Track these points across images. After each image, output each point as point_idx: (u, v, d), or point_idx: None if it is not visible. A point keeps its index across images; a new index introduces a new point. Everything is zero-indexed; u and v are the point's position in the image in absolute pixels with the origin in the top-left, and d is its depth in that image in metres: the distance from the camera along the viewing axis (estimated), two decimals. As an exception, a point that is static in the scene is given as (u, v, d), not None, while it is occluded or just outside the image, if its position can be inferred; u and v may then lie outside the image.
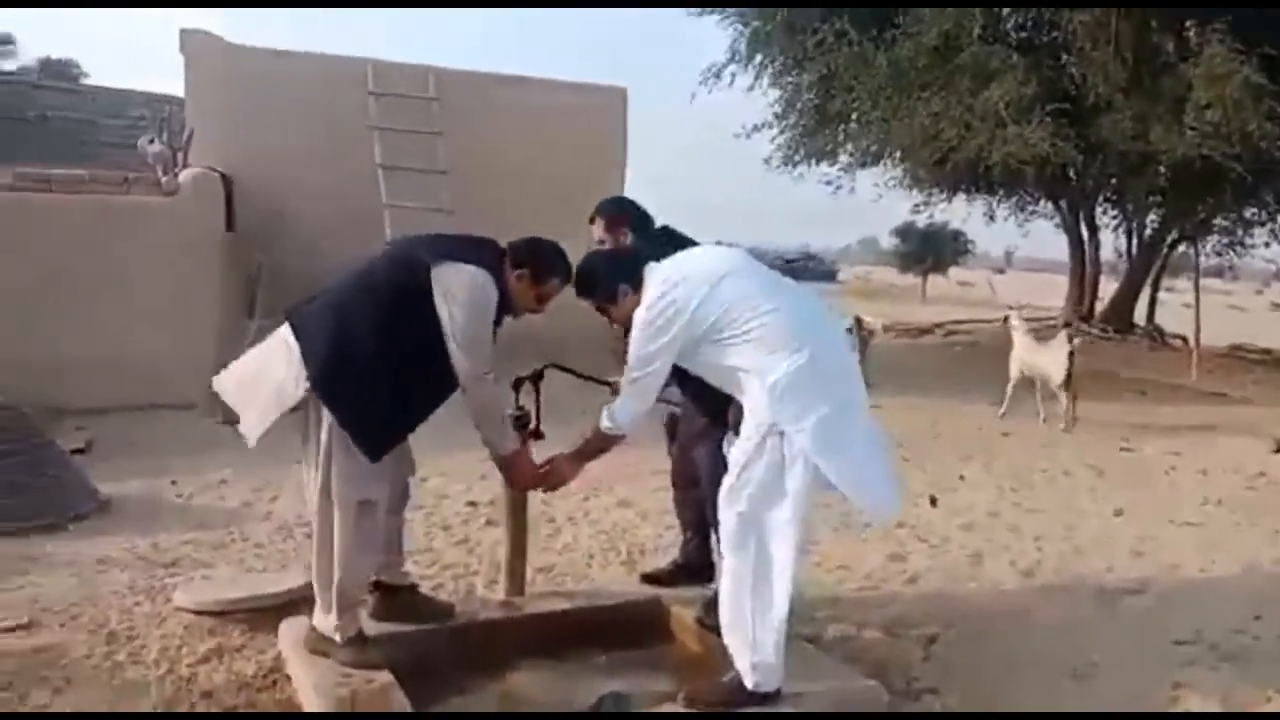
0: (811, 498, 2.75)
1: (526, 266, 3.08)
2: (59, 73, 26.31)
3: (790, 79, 15.47)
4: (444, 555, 4.34)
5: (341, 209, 9.43)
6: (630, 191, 11.52)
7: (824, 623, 3.54)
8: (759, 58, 15.46)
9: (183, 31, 9.60)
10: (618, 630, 3.45)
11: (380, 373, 2.92)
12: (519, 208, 7.79)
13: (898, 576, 4.15)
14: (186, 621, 3.39)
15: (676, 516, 3.85)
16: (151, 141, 8.60)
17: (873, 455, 2.87)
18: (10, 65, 27.76)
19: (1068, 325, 9.52)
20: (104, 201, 7.04)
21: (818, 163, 15.84)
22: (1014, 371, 8.84)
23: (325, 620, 2.99)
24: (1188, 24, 11.20)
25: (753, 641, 2.75)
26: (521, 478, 3.32)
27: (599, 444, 3.20)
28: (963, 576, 4.19)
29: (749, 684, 2.77)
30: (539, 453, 3.36)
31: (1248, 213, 15.32)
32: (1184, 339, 15.67)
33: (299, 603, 3.44)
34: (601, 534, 4.73)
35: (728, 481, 2.83)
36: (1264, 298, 49.33)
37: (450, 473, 5.74)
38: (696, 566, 3.68)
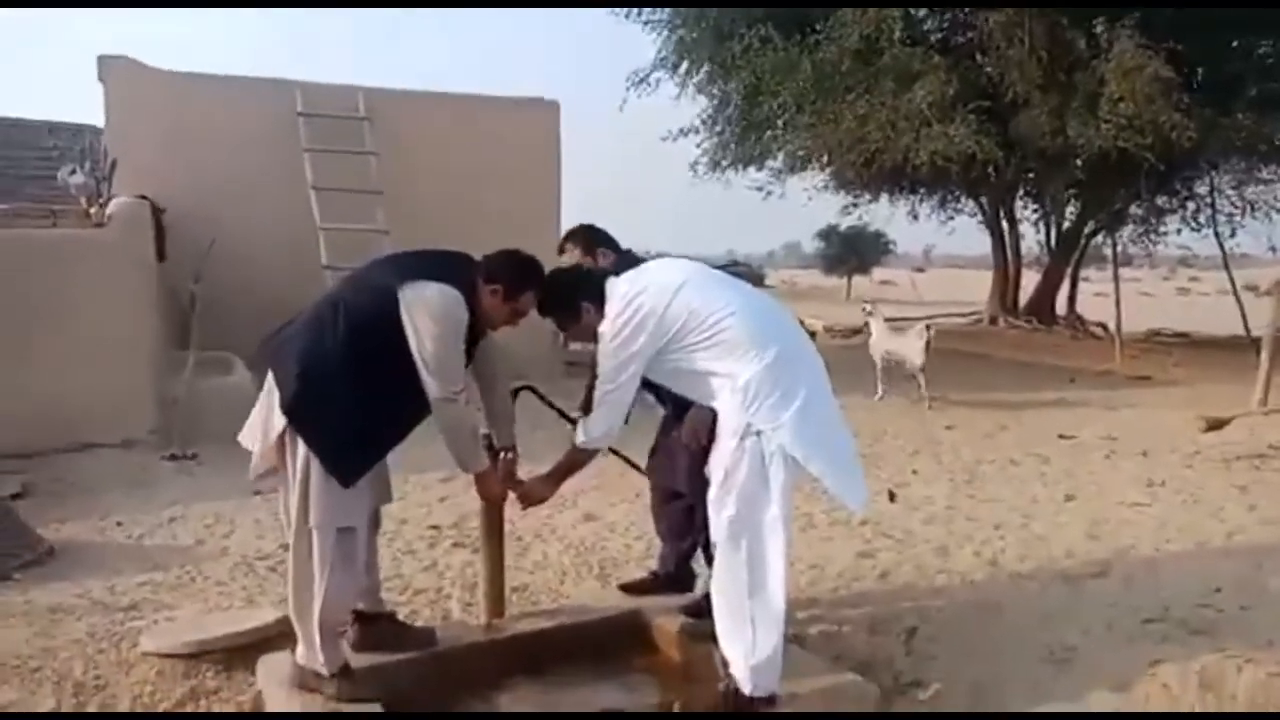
0: (792, 493, 2.78)
1: (499, 281, 3.03)
2: (-39, 104, 25.32)
3: (717, 86, 15.67)
4: (414, 580, 4.27)
5: (276, 233, 9.26)
6: (563, 201, 11.55)
7: (806, 623, 3.58)
8: (685, 64, 15.66)
9: (101, 58, 9.34)
10: (602, 645, 3.44)
11: (349, 397, 2.88)
12: (457, 225, 7.70)
13: (870, 573, 4.21)
14: (157, 666, 3.28)
15: (654, 526, 3.86)
16: (73, 172, 8.29)
17: (846, 449, 2.92)
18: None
19: (928, 323, 10.26)
20: (29, 235, 6.79)
21: (745, 168, 16.06)
22: (876, 358, 9.85)
23: (310, 655, 2.92)
24: (1097, 22, 11.59)
25: (752, 644, 2.77)
26: (490, 494, 3.32)
27: (573, 461, 3.20)
28: (931, 569, 4.26)
29: (747, 689, 2.78)
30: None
31: (1159, 201, 15.94)
32: (1104, 327, 16.24)
33: (273, 639, 3.36)
34: (571, 549, 4.71)
35: (714, 487, 2.85)
36: (1171, 283, 51.34)
37: (409, 495, 5.66)
38: (676, 576, 3.69)
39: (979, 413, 8.78)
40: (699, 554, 3.59)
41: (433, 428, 3.01)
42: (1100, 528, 4.86)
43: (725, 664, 2.89)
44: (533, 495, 3.34)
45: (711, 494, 2.87)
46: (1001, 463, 6.53)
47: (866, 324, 10.58)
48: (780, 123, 14.30)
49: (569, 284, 3.22)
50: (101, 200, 7.43)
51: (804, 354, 3.03)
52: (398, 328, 2.87)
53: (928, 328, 9.73)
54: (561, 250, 3.69)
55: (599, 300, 3.06)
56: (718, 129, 15.82)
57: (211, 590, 4.18)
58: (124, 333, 7.11)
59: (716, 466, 2.89)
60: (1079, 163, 13.03)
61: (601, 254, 3.62)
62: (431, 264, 3.03)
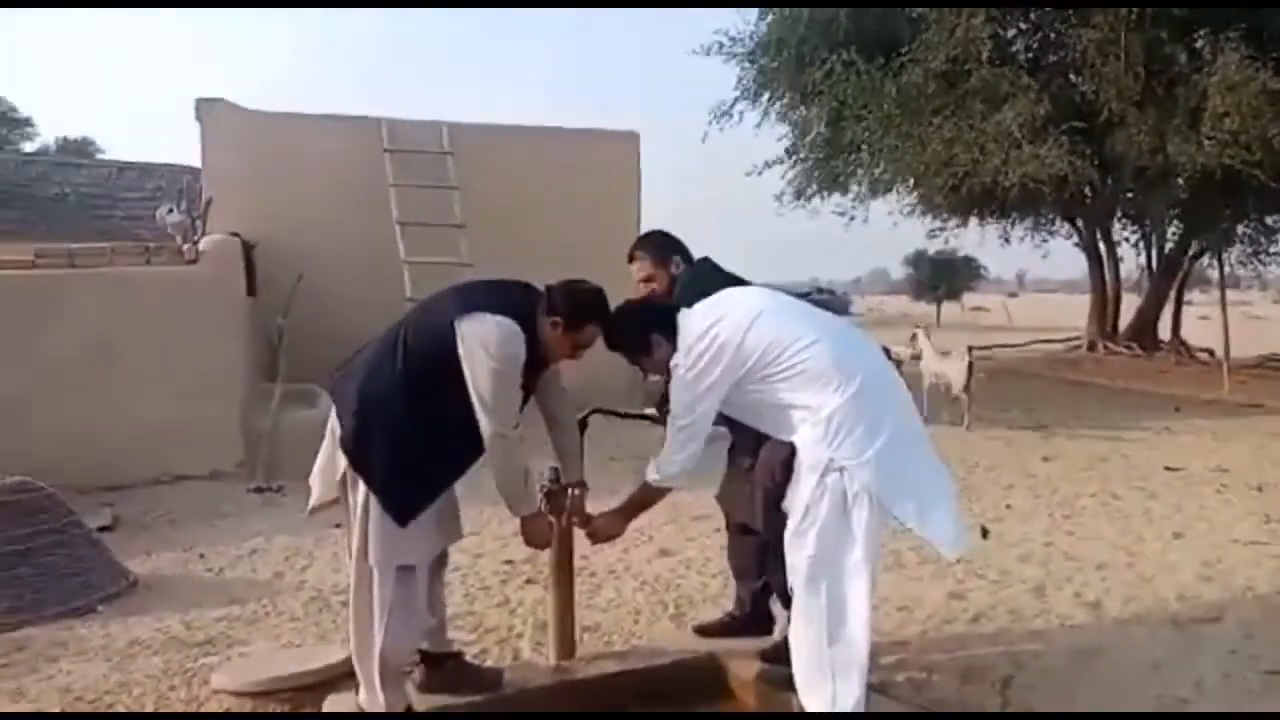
0: (880, 535, 2.61)
1: (559, 313, 2.94)
2: (76, 150, 26.77)
3: (799, 113, 15.53)
4: (485, 618, 4.19)
5: (362, 268, 9.42)
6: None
7: (892, 669, 3.37)
8: (766, 95, 15.56)
9: (199, 100, 9.71)
10: (675, 690, 3.30)
11: (406, 435, 2.82)
12: (538, 257, 7.68)
13: (961, 615, 3.97)
14: (226, 704, 3.26)
15: (728, 564, 3.70)
16: (170, 211, 8.64)
17: (937, 486, 2.74)
18: (29, 146, 28.29)
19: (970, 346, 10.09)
20: (125, 274, 7.02)
21: (829, 194, 15.83)
22: (925, 381, 9.94)
23: (371, 698, 2.86)
24: (1199, 34, 11.10)
25: (833, 695, 2.60)
26: (534, 539, 3.17)
27: (645, 498, 3.08)
28: (1028, 612, 4.00)
29: None
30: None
31: (1269, 220, 15.15)
32: (1211, 352, 15.46)
33: (342, 677, 3.30)
34: (645, 586, 4.57)
35: (791, 525, 2.70)
36: (1283, 306, 48.86)
37: (483, 529, 5.61)
38: (752, 618, 3.53)
39: (1078, 444, 8.37)
40: (775, 595, 3.42)
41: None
42: (1214, 568, 4.51)
43: (804, 714, 2.72)
44: (601, 533, 3.23)
45: (789, 532, 2.72)
46: (1103, 497, 6.17)
47: (915, 344, 10.69)
48: (864, 147, 14.07)
49: (638, 317, 3.12)
50: (196, 238, 7.67)
51: (889, 386, 2.87)
52: (455, 362, 2.80)
53: (970, 350, 10.08)
54: (631, 258, 3.58)
55: (670, 332, 2.96)
56: (801, 156, 15.64)
57: (285, 626, 4.17)
58: (214, 366, 7.29)
59: (796, 503, 2.74)
60: (1180, 182, 12.47)
61: (674, 263, 3.51)
62: (493, 294, 2.96)
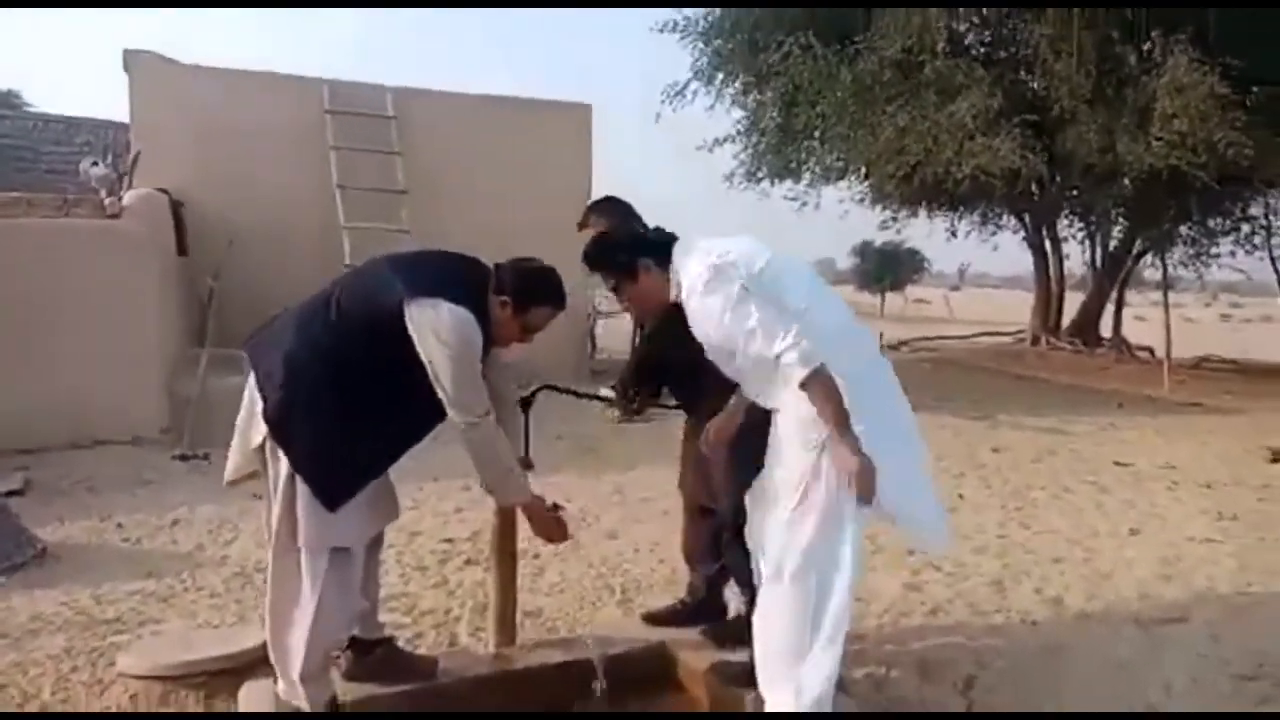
0: (864, 524, 2.45)
1: (508, 293, 2.72)
2: (1, 101, 25.48)
3: (753, 97, 15.36)
4: (421, 600, 3.95)
5: (298, 231, 9.04)
6: (596, 211, 11.25)
7: (850, 663, 3.20)
8: (720, 76, 15.36)
9: (127, 52, 9.18)
10: (621, 681, 3.10)
11: (339, 412, 2.57)
12: (483, 229, 7.41)
13: (918, 609, 3.83)
14: (132, 690, 2.98)
15: (681, 550, 3.51)
16: (95, 164, 8.14)
17: (921, 479, 2.57)
18: (-53, 94, 26.88)
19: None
20: (40, 225, 6.57)
21: (781, 179, 15.71)
22: None
23: (290, 690, 2.60)
24: (1150, 35, 11.16)
25: (799, 687, 2.42)
26: (545, 531, 2.91)
27: (826, 390, 2.43)
28: (987, 607, 3.88)
29: None
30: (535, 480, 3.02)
31: (1211, 223, 15.41)
32: (1150, 350, 15.70)
33: (261, 662, 3.04)
34: (591, 569, 4.36)
35: (786, 507, 2.49)
36: (1213, 309, 50.24)
37: (422, 504, 5.37)
38: (705, 605, 3.35)
39: (1026, 435, 8.36)
40: (731, 581, 3.25)
41: (444, 431, 2.70)
42: (1173, 566, 4.44)
43: (760, 706, 2.55)
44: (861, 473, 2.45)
45: (784, 513, 2.51)
46: (1055, 490, 6.12)
47: None
48: (817, 133, 13.95)
49: (626, 240, 2.84)
50: (121, 192, 7.23)
51: (880, 367, 2.70)
52: (397, 340, 2.56)
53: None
54: (583, 225, 3.36)
55: (663, 260, 2.68)
56: (754, 139, 15.49)
57: (204, 603, 3.88)
58: (139, 327, 6.89)
59: (787, 484, 2.53)
60: (1127, 181, 12.56)
61: (636, 224, 3.29)
62: (437, 272, 2.72)
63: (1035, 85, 12.55)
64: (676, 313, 3.13)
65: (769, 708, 2.55)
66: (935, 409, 9.20)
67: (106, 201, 6.78)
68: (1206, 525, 5.20)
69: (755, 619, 2.61)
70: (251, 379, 2.64)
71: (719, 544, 3.26)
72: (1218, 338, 23.29)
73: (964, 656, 3.32)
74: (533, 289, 2.77)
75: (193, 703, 2.93)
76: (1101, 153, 11.81)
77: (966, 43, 13.83)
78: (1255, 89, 11.56)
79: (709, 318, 2.53)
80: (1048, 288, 17.33)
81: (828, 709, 2.48)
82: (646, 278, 2.70)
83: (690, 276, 2.57)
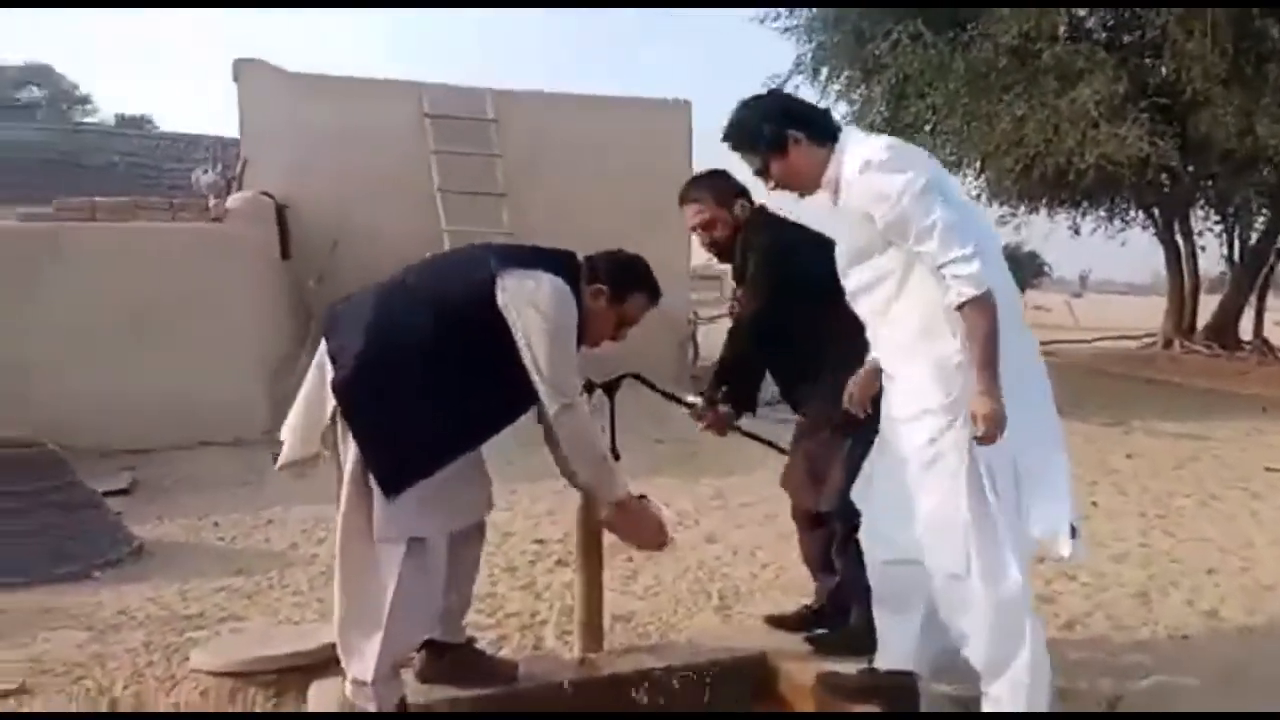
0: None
1: (603, 280, 2.56)
2: (133, 125, 26.92)
3: (859, 92, 14.88)
4: (508, 602, 3.76)
5: (400, 235, 9.01)
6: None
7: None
8: (825, 72, 14.94)
9: (236, 61, 9.38)
10: (716, 693, 2.83)
11: (416, 390, 2.38)
12: (583, 230, 7.21)
13: (1051, 622, 3.42)
14: (203, 685, 2.86)
15: (803, 558, 3.21)
16: (205, 173, 8.35)
17: (1061, 469, 2.26)
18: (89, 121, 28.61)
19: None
20: (145, 228, 6.69)
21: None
22: None
23: (359, 691, 2.42)
24: (1295, 7, 10.30)
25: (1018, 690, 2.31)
26: (638, 535, 2.66)
27: (984, 322, 2.21)
28: (1131, 620, 3.45)
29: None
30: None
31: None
32: (1296, 352, 14.57)
33: (334, 660, 2.88)
34: (688, 573, 4.10)
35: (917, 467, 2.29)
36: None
37: (515, 505, 5.20)
38: (832, 611, 3.03)
39: (1163, 442, 7.71)
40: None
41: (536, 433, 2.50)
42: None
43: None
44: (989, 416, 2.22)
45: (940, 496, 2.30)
46: (1201, 497, 5.55)
47: None
48: (928, 127, 13.39)
49: (774, 110, 2.53)
50: (226, 196, 7.35)
51: (1029, 339, 2.47)
52: (485, 319, 2.39)
53: None
54: (684, 200, 3.10)
55: (818, 135, 2.41)
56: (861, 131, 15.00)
57: (287, 600, 3.78)
58: (243, 329, 6.96)
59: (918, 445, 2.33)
60: (1269, 168, 11.63)
61: (738, 205, 3.02)
62: (533, 253, 2.56)
63: (1165, 68, 11.74)
64: (775, 298, 2.86)
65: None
66: (1063, 415, 8.60)
67: (211, 204, 6.88)
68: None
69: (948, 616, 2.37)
70: (323, 349, 2.47)
71: (830, 550, 2.98)
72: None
73: (1106, 675, 2.93)
74: (629, 276, 2.63)
75: (261, 700, 2.79)
76: (1240, 136, 10.96)
77: (1088, 26, 13.09)
78: None
79: (883, 197, 2.25)
80: (1181, 287, 16.23)
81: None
82: (797, 151, 2.42)
83: (871, 149, 2.31)
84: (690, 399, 3.15)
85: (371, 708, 2.39)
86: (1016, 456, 2.27)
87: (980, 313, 2.17)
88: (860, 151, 2.32)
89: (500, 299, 2.39)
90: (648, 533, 2.64)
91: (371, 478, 2.36)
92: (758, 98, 2.61)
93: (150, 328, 6.65)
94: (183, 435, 6.66)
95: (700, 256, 5.31)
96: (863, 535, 2.60)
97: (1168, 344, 15.79)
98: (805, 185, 2.49)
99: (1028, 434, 2.24)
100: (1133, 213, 16.80)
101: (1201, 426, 8.61)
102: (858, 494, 2.63)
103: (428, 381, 2.40)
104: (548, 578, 4.06)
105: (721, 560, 4.31)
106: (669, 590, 3.89)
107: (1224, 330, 15.57)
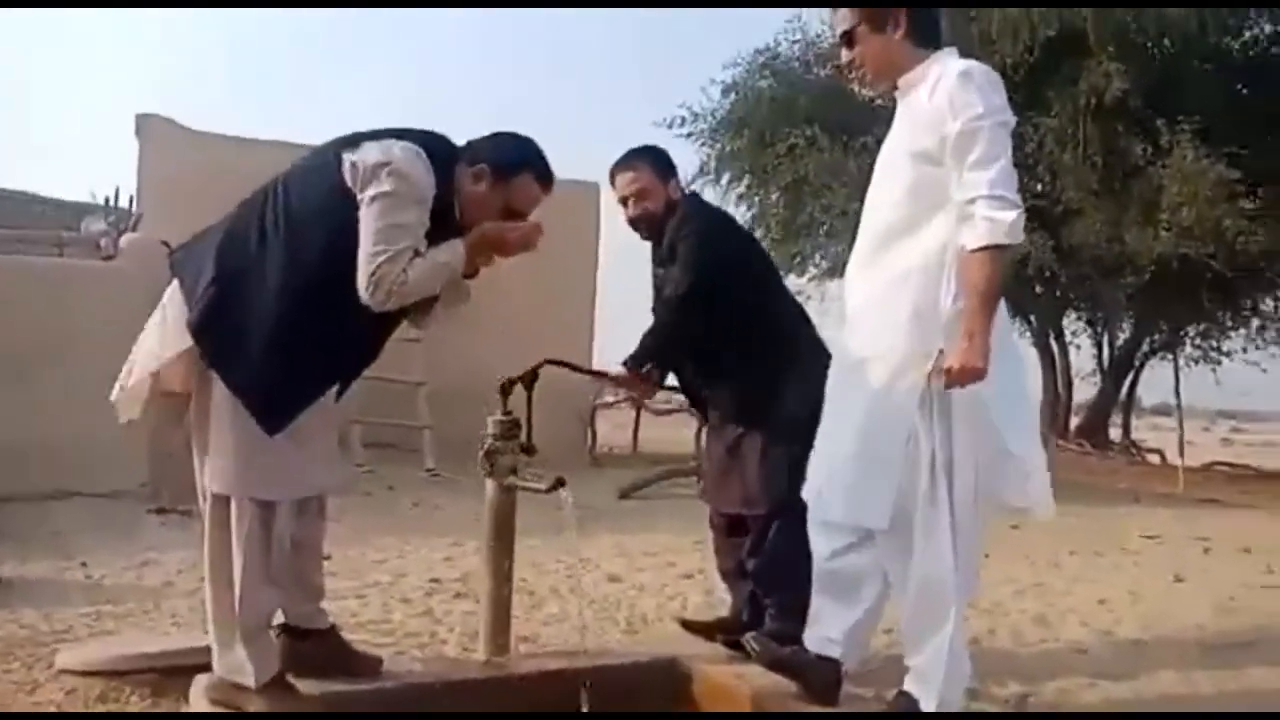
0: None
1: (487, 161, 2.35)
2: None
3: (759, 196, 15.48)
4: (405, 624, 3.58)
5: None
6: (602, 293, 11.13)
7: (890, 685, 2.84)
8: (727, 176, 15.53)
9: (139, 116, 9.22)
10: (630, 696, 2.73)
11: (283, 313, 2.19)
12: (489, 304, 7.16)
13: (956, 638, 3.45)
14: (69, 686, 2.61)
15: (718, 568, 3.15)
16: (97, 222, 8.06)
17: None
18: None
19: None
20: (28, 262, 6.38)
21: (787, 273, 15.68)
22: None
23: (230, 657, 2.24)
24: (1155, 124, 11.26)
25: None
26: (504, 242, 2.42)
27: (987, 274, 2.19)
28: (1032, 637, 3.51)
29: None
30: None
31: (1221, 315, 15.22)
32: (1161, 454, 15.34)
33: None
34: (594, 604, 3.99)
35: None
36: (1213, 433, 49.52)
37: (409, 554, 5.02)
38: (749, 619, 2.96)
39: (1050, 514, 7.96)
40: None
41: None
42: (1231, 604, 4.07)
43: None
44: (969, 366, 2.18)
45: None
46: (1085, 554, 5.74)
47: None
48: (824, 228, 13.97)
49: None
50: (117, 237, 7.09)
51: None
52: (340, 209, 2.19)
53: None
54: (620, 170, 3.02)
55: (923, 34, 2.37)
56: (758, 234, 15.54)
57: (164, 621, 3.52)
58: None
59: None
60: (1135, 276, 12.48)
61: (674, 185, 3.03)
62: (387, 132, 2.32)
63: (1041, 180, 12.62)
64: (709, 277, 2.86)
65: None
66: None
67: (102, 244, 6.63)
68: (1258, 575, 4.84)
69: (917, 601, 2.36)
70: (171, 290, 2.29)
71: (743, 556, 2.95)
72: (1222, 455, 22.88)
73: (1013, 676, 2.95)
74: (515, 155, 2.39)
75: (137, 700, 2.55)
76: (1109, 243, 11.78)
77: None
78: (1260, 188, 11.63)
79: (969, 105, 2.19)
80: (1055, 389, 17.09)
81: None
82: (898, 36, 2.34)
83: (979, 69, 2.26)
84: (615, 370, 3.05)
85: (249, 681, 2.21)
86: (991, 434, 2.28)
87: (993, 264, 2.15)
88: (967, 64, 2.30)
89: (348, 176, 2.20)
90: (514, 235, 2.43)
91: (225, 425, 2.20)
92: None
93: (24, 370, 6.26)
94: (53, 485, 6.23)
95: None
96: (810, 525, 2.54)
97: (1043, 442, 16.50)
98: (883, 72, 2.41)
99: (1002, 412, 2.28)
100: (1010, 320, 17.72)
101: (1080, 507, 8.92)
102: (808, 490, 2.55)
103: (295, 301, 2.21)
104: (446, 606, 3.89)
105: (626, 595, 4.21)
106: (574, 619, 3.77)
107: (1094, 430, 16.39)
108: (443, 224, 2.31)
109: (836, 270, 15.28)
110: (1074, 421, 17.26)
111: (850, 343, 2.46)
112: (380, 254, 2.16)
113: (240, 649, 2.22)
